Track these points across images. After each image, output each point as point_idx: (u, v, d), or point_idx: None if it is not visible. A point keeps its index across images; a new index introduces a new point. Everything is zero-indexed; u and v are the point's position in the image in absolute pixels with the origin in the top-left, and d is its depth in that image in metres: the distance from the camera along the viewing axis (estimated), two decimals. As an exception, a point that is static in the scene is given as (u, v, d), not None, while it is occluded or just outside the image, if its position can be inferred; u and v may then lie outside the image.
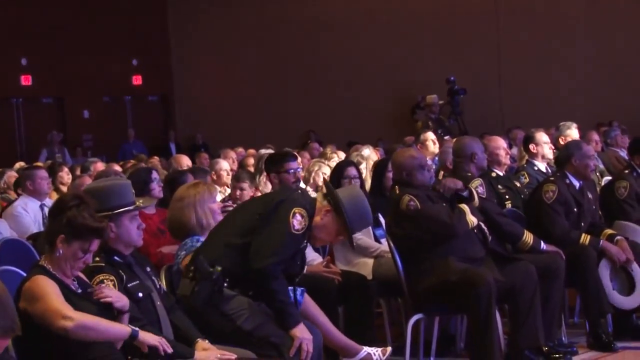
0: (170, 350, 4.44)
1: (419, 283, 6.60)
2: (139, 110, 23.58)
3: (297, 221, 5.10)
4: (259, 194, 8.77)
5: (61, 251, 4.42)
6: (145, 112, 23.68)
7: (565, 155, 7.58)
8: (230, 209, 8.27)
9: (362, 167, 9.54)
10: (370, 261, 7.28)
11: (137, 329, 4.38)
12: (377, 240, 7.42)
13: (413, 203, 6.60)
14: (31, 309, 4.33)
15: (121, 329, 4.37)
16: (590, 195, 7.61)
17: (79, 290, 4.53)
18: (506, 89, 19.98)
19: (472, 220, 6.65)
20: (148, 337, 4.43)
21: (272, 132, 19.51)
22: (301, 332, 5.21)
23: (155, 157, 13.86)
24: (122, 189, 5.03)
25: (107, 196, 4.93)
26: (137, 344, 4.39)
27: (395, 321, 7.97)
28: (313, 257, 7.13)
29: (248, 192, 8.55)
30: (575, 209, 7.41)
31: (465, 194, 6.76)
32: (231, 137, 18.39)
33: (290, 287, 5.87)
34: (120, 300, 4.53)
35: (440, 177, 8.49)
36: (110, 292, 4.55)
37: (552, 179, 7.51)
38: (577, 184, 7.49)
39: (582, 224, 7.46)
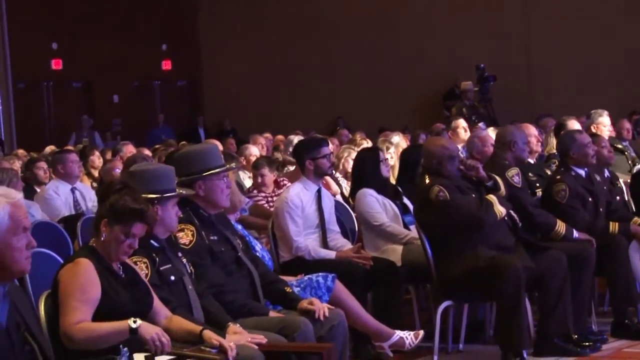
0: (166, 341, 4.22)
1: (448, 270, 6.60)
2: (168, 95, 23.66)
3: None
4: (284, 179, 8.82)
5: (104, 235, 4.45)
6: (174, 97, 23.75)
7: (562, 150, 7.53)
8: (261, 200, 8.34)
9: (391, 151, 9.54)
10: (400, 248, 7.28)
11: (138, 323, 4.19)
12: (406, 227, 7.42)
13: (442, 194, 6.60)
14: (60, 292, 4.36)
15: (120, 330, 4.19)
16: (598, 178, 7.58)
17: (122, 275, 4.53)
18: (536, 77, 19.88)
19: (500, 210, 6.65)
20: (146, 332, 4.21)
21: (299, 118, 19.51)
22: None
23: (184, 142, 13.89)
24: (169, 173, 5.09)
25: (155, 180, 4.98)
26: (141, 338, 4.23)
27: (424, 307, 7.99)
28: (343, 243, 7.15)
29: (270, 177, 8.61)
30: (589, 199, 7.38)
31: (489, 184, 6.74)
32: (259, 123, 18.43)
33: (321, 273, 5.91)
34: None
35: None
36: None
37: (558, 177, 7.44)
38: (582, 172, 7.44)
39: (600, 209, 7.43)
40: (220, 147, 10.95)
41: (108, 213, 4.44)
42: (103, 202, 4.52)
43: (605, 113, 10.17)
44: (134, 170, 5.18)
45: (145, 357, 4.39)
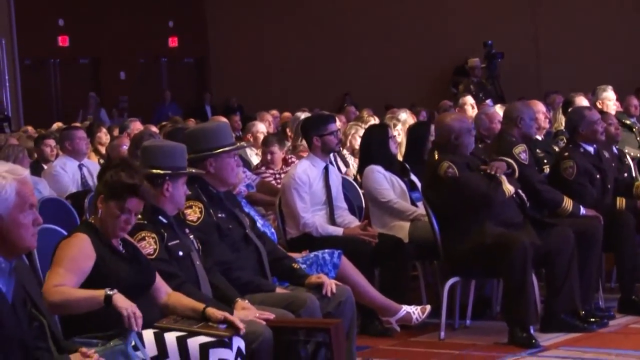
0: (140, 317, 4.10)
1: (456, 246, 6.61)
2: (174, 72, 23.64)
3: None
4: (292, 157, 8.80)
5: (101, 211, 4.46)
6: (181, 74, 23.73)
7: (571, 126, 7.50)
8: (268, 177, 8.32)
9: (398, 128, 9.52)
10: (407, 224, 7.28)
11: (114, 291, 4.13)
12: (413, 203, 7.42)
13: (451, 170, 6.58)
14: (53, 258, 4.40)
15: (94, 297, 4.15)
16: (607, 155, 7.57)
17: (123, 251, 4.54)
18: (543, 54, 19.80)
19: (509, 189, 6.64)
20: (120, 303, 4.11)
21: (306, 95, 19.48)
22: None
23: (192, 119, 13.90)
24: (182, 151, 5.09)
25: (168, 156, 5.00)
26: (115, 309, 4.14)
27: (431, 284, 8.00)
28: (350, 220, 7.15)
29: (279, 154, 8.59)
30: (597, 175, 7.37)
31: (508, 172, 6.73)
32: (265, 100, 18.39)
33: (328, 250, 5.92)
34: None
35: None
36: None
37: (566, 154, 7.42)
38: (591, 149, 7.42)
39: (608, 185, 7.42)
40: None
41: (103, 189, 4.46)
42: (100, 179, 4.53)
43: (610, 88, 10.13)
44: (148, 145, 5.20)
45: (155, 333, 4.41)
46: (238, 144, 5.61)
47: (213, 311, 4.53)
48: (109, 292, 4.14)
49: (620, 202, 7.32)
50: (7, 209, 3.61)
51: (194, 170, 5.15)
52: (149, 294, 4.56)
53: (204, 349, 4.38)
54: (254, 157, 9.71)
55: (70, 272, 4.32)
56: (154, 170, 4.93)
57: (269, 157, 8.61)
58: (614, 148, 7.88)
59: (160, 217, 4.93)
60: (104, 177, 4.48)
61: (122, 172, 4.45)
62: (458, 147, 6.68)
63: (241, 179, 6.14)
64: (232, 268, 5.23)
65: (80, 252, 4.37)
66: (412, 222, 7.28)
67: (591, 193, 7.30)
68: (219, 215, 5.38)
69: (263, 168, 8.61)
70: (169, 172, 4.94)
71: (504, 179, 6.63)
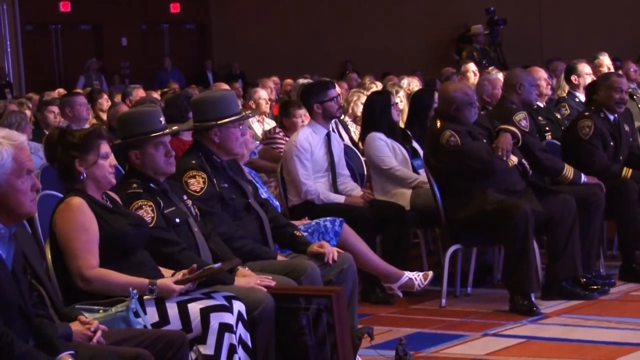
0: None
1: (457, 213, 6.59)
2: (176, 39, 23.53)
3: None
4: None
5: (84, 173, 4.45)
6: (183, 40, 23.63)
7: (594, 88, 7.50)
8: (281, 141, 8.13)
9: (401, 95, 9.48)
10: (408, 192, 7.27)
11: (155, 283, 4.36)
12: (415, 171, 7.40)
13: (454, 139, 6.56)
14: (59, 236, 4.40)
15: (139, 286, 4.34)
16: (627, 128, 7.54)
17: (111, 206, 4.57)
18: (546, 21, 19.69)
19: (512, 159, 6.62)
20: (165, 288, 4.39)
21: (308, 62, 19.41)
22: None
23: (193, 86, 13.86)
24: (148, 116, 5.00)
25: (133, 123, 4.94)
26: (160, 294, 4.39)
27: (432, 251, 7.99)
28: (352, 187, 7.13)
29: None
30: (612, 143, 7.36)
31: (514, 141, 6.69)
32: (267, 67, 18.31)
33: (329, 218, 5.90)
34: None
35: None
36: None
37: (586, 114, 7.43)
38: (611, 117, 7.42)
39: (621, 157, 7.40)
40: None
41: (75, 152, 4.44)
42: (55, 154, 4.49)
43: (605, 54, 10.11)
44: (118, 117, 5.21)
45: (155, 299, 4.41)
46: (243, 114, 5.55)
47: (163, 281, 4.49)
48: (152, 281, 4.34)
49: (627, 171, 7.29)
50: (4, 175, 3.60)
51: (155, 134, 4.94)
52: (144, 250, 4.58)
53: (205, 313, 4.38)
54: (256, 125, 9.67)
55: (91, 244, 4.36)
56: (115, 142, 4.93)
57: (299, 121, 8.03)
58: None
59: (151, 185, 4.91)
60: (63, 148, 4.45)
61: (69, 135, 4.47)
62: (459, 118, 6.65)
63: (250, 149, 6.09)
64: (234, 237, 5.21)
65: (85, 217, 4.38)
66: (414, 189, 7.26)
67: (601, 157, 7.27)
68: (222, 185, 5.36)
69: (281, 133, 8.28)
70: (127, 140, 4.88)
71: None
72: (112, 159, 4.56)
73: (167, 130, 5.00)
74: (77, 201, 4.40)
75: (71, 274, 4.37)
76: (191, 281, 4.45)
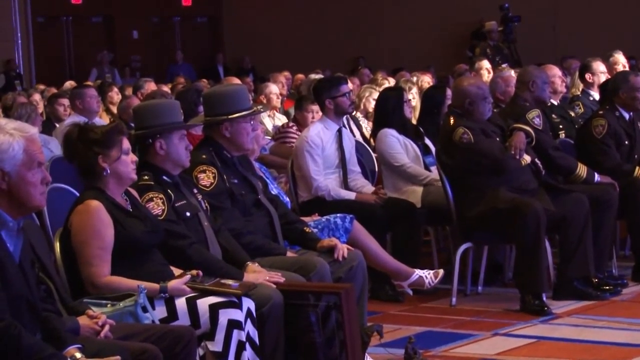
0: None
1: (468, 211, 6.58)
2: (187, 32, 23.53)
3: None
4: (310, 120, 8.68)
5: (108, 169, 4.45)
6: (194, 33, 23.62)
7: (612, 88, 7.47)
8: (294, 136, 8.11)
9: (413, 92, 9.46)
10: (419, 189, 7.25)
11: (166, 288, 4.39)
12: (427, 168, 7.39)
13: (467, 136, 6.54)
14: (74, 237, 4.41)
15: (150, 289, 4.35)
16: None
17: (131, 209, 4.56)
18: (561, 18, 19.63)
19: (525, 159, 6.60)
20: (176, 290, 4.42)
21: (320, 57, 19.38)
22: None
23: (204, 80, 13.85)
24: (172, 107, 5.08)
25: (157, 114, 4.97)
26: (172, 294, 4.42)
27: (443, 249, 7.98)
28: (363, 184, 7.13)
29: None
30: (626, 142, 7.34)
31: (527, 140, 6.68)
32: (279, 62, 18.28)
33: (339, 214, 5.89)
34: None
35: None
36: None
37: (601, 112, 7.41)
38: (627, 115, 7.40)
39: (635, 156, 7.38)
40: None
41: (98, 148, 4.44)
42: (76, 152, 4.48)
43: (618, 51, 10.08)
44: (137, 108, 5.22)
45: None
46: (255, 109, 5.54)
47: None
48: (162, 284, 4.35)
49: (638, 171, 7.26)
50: (15, 167, 3.60)
51: (186, 124, 5.09)
52: (157, 252, 4.57)
53: (214, 309, 4.38)
54: (267, 120, 9.67)
55: (104, 251, 4.37)
56: (139, 131, 4.95)
57: (311, 115, 8.17)
58: None
59: (164, 177, 4.92)
60: (82, 143, 4.45)
61: (90, 132, 4.47)
62: (473, 113, 6.63)
63: (261, 144, 6.08)
64: (243, 233, 5.21)
65: (101, 222, 4.38)
66: (425, 186, 7.25)
67: (614, 156, 7.25)
68: (232, 180, 5.35)
69: (294, 128, 8.28)
70: (155, 129, 4.89)
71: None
72: (133, 155, 4.57)
73: (194, 122, 5.02)
74: (96, 205, 4.40)
75: (82, 278, 4.38)
76: (203, 291, 4.44)
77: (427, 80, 10.63)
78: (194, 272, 4.50)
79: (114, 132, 4.49)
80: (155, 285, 4.38)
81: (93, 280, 4.36)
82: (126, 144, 4.52)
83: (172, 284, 4.41)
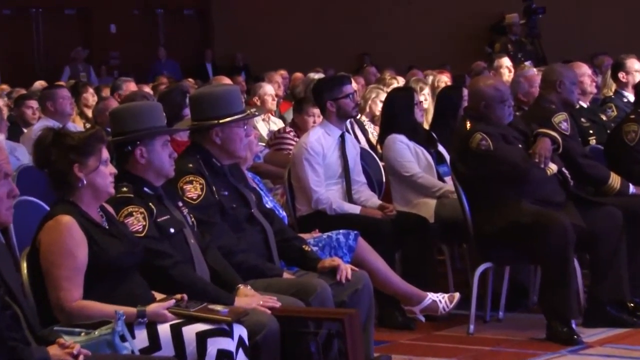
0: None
1: (488, 227, 6.59)
2: (172, 26, 23.62)
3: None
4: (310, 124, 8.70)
5: (83, 180, 4.46)
6: (180, 28, 23.71)
7: None
8: (291, 142, 8.12)
9: (425, 93, 9.48)
10: (433, 202, 7.28)
11: (144, 309, 4.38)
12: (440, 178, 7.41)
13: (485, 142, 6.56)
14: (42, 257, 4.41)
15: (126, 314, 4.32)
16: None
17: (107, 227, 4.56)
18: (591, 9, 19.69)
19: (551, 168, 6.61)
20: (155, 315, 4.40)
21: (320, 54, 19.45)
22: None
23: (190, 79, 13.89)
24: (154, 110, 5.09)
25: (137, 117, 4.98)
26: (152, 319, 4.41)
27: (459, 270, 7.99)
28: (368, 196, 7.14)
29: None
30: (662, 149, 7.35)
31: (553, 146, 6.70)
32: (274, 59, 18.34)
33: (342, 231, 5.89)
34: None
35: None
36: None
37: (632, 116, 7.44)
38: None
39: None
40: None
41: (74, 156, 4.44)
42: (48, 160, 4.48)
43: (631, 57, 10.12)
44: (113, 111, 5.23)
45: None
46: (249, 112, 5.54)
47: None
48: (140, 308, 4.34)
49: (676, 182, 7.28)
50: (-23, 180, 3.60)
51: (163, 130, 5.02)
52: (137, 273, 4.57)
53: (202, 338, 4.37)
54: (261, 124, 9.69)
55: (75, 273, 4.37)
56: (116, 137, 4.94)
57: (312, 120, 8.19)
58: None
59: (145, 189, 4.93)
60: (60, 150, 4.45)
61: (66, 137, 4.47)
62: (489, 118, 6.64)
63: (255, 152, 6.09)
64: (234, 252, 5.21)
65: (73, 241, 4.38)
66: (439, 199, 7.28)
67: (646, 166, 7.27)
68: (222, 192, 5.36)
69: (292, 133, 8.32)
70: (134, 134, 4.89)
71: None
72: (111, 167, 4.58)
73: (180, 126, 5.03)
74: (67, 220, 4.40)
75: (50, 303, 4.38)
76: (188, 317, 4.43)
77: (444, 80, 10.66)
78: (179, 296, 4.49)
79: (94, 139, 4.49)
80: (133, 310, 4.37)
81: (62, 304, 4.35)
82: (105, 153, 4.53)
83: (152, 307, 4.40)
